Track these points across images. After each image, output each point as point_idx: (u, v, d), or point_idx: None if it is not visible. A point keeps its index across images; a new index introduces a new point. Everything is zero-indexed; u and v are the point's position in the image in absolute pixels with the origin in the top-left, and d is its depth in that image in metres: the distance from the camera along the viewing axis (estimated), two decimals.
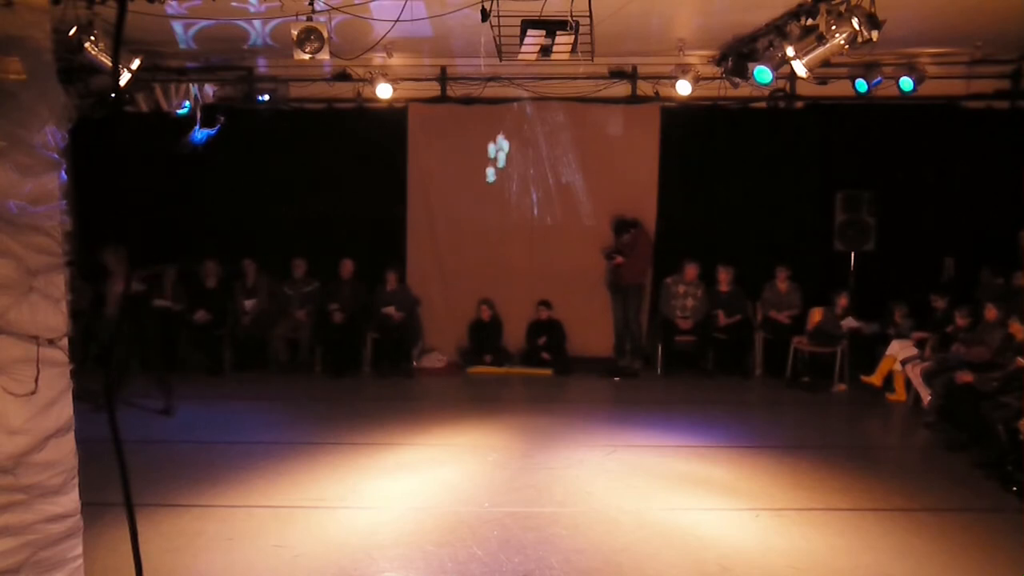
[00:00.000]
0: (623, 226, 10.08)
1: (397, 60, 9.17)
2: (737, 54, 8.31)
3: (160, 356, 8.54)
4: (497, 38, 6.70)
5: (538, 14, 6.32)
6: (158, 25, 6.59)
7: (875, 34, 6.10)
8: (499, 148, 10.19)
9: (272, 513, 5.70)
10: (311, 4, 6.30)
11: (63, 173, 3.75)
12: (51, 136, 3.67)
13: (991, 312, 7.90)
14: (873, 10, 6.10)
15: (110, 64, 6.83)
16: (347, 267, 10.16)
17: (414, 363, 10.16)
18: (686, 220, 10.26)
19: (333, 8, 6.29)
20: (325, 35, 6.60)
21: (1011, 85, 9.73)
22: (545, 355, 10.06)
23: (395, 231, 10.50)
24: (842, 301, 9.40)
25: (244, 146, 10.08)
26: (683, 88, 9.14)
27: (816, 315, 9.62)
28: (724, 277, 9.98)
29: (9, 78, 3.51)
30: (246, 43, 8.31)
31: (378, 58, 8.84)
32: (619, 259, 9.97)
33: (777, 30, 7.30)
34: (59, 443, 3.72)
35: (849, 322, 9.38)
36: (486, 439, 7.39)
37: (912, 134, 9.83)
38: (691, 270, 9.98)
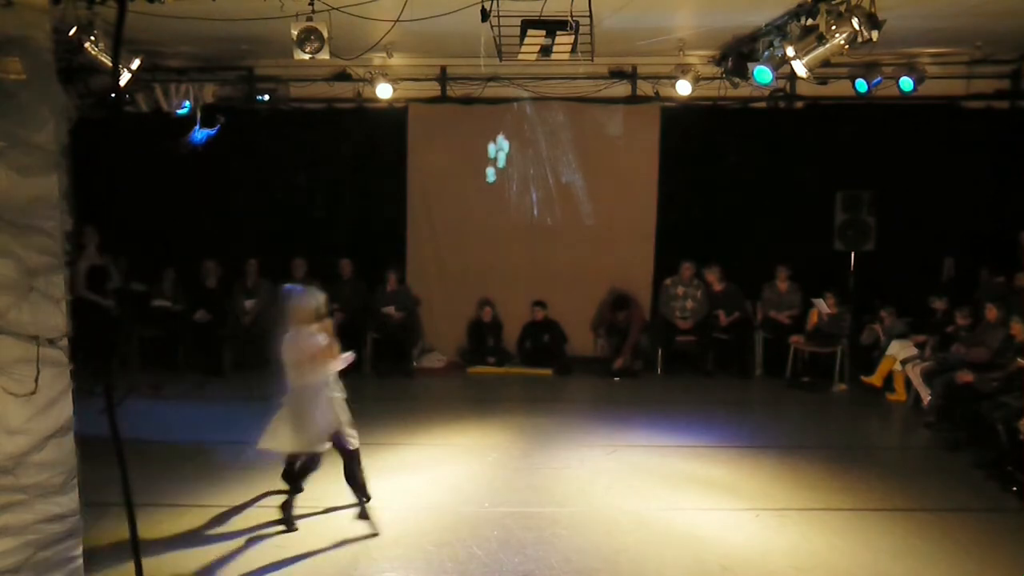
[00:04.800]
0: (621, 302, 10.03)
1: (397, 60, 9.16)
2: (737, 54, 8.30)
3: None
4: (497, 38, 6.69)
5: (538, 14, 6.31)
6: (158, 25, 6.58)
7: (875, 34, 6.10)
8: (499, 148, 10.18)
9: (272, 513, 5.69)
10: (311, 4, 6.30)
11: (63, 173, 3.75)
12: (51, 136, 3.67)
13: (991, 312, 7.90)
14: (873, 10, 6.09)
15: (110, 64, 6.80)
16: (347, 267, 10.16)
17: (414, 363, 10.15)
18: (686, 220, 10.25)
19: (333, 8, 6.28)
20: (325, 35, 6.59)
21: (1011, 85, 9.73)
22: (547, 366, 10.00)
23: (395, 231, 10.49)
24: (830, 300, 9.39)
25: (244, 146, 10.08)
26: (683, 88, 9.14)
27: (815, 315, 9.61)
28: (712, 278, 9.99)
29: (9, 78, 3.51)
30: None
31: (378, 58, 8.84)
32: (619, 362, 9.77)
33: (777, 30, 7.29)
34: (59, 443, 3.72)
35: (821, 305, 9.38)
36: (486, 439, 7.39)
37: (912, 134, 9.82)
38: (687, 269, 9.99)
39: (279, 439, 5.39)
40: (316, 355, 5.36)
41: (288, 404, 5.40)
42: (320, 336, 5.40)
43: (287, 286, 5.70)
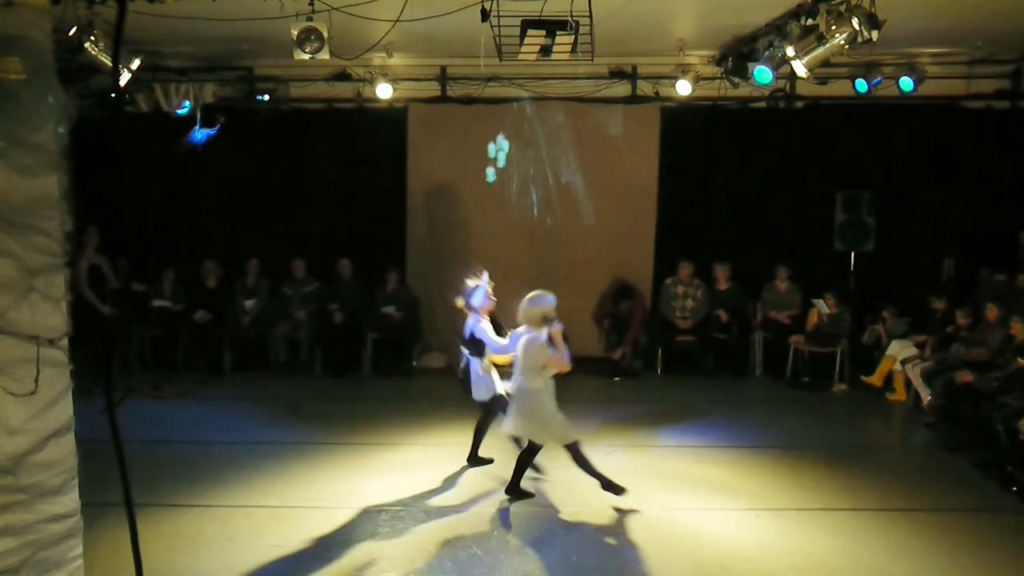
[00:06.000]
0: (624, 292, 10.02)
1: (397, 60, 9.16)
2: (737, 54, 8.30)
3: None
4: (497, 38, 6.69)
5: (538, 14, 6.30)
6: (158, 25, 6.58)
7: (875, 34, 6.10)
8: (499, 148, 10.17)
9: (272, 513, 5.70)
10: (311, 4, 6.30)
11: (63, 173, 3.75)
12: (51, 136, 3.67)
13: (991, 312, 7.90)
14: (873, 10, 6.09)
15: (110, 64, 6.82)
16: (347, 267, 10.16)
17: (414, 363, 10.15)
18: (686, 220, 10.25)
19: (333, 8, 6.28)
20: (325, 35, 6.60)
21: (1011, 85, 9.72)
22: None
23: (395, 231, 10.49)
24: (829, 300, 9.38)
25: (244, 146, 10.08)
26: (683, 88, 9.14)
27: (815, 315, 9.61)
28: (721, 275, 9.99)
29: (9, 78, 3.50)
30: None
31: (378, 58, 8.84)
32: (619, 354, 9.82)
33: (777, 30, 7.29)
34: (59, 443, 3.72)
35: (821, 306, 9.38)
36: (486, 439, 7.37)
37: (912, 134, 9.82)
38: (684, 269, 9.99)
39: (522, 430, 5.90)
40: (546, 364, 5.74)
41: (520, 401, 5.82)
42: (548, 343, 5.75)
43: (534, 293, 5.95)
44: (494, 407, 6.37)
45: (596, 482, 5.87)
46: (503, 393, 6.27)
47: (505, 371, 6.32)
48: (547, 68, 9.23)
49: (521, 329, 5.92)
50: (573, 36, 6.61)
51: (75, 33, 6.74)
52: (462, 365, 6.39)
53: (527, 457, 6.02)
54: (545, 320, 5.75)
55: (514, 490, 5.99)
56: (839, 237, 9.78)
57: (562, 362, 5.77)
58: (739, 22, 7.68)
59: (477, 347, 6.24)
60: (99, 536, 4.59)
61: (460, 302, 6.38)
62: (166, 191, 9.98)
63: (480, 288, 6.31)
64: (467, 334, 6.32)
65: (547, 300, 5.84)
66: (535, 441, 5.96)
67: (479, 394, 6.36)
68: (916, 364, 8.37)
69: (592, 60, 7.27)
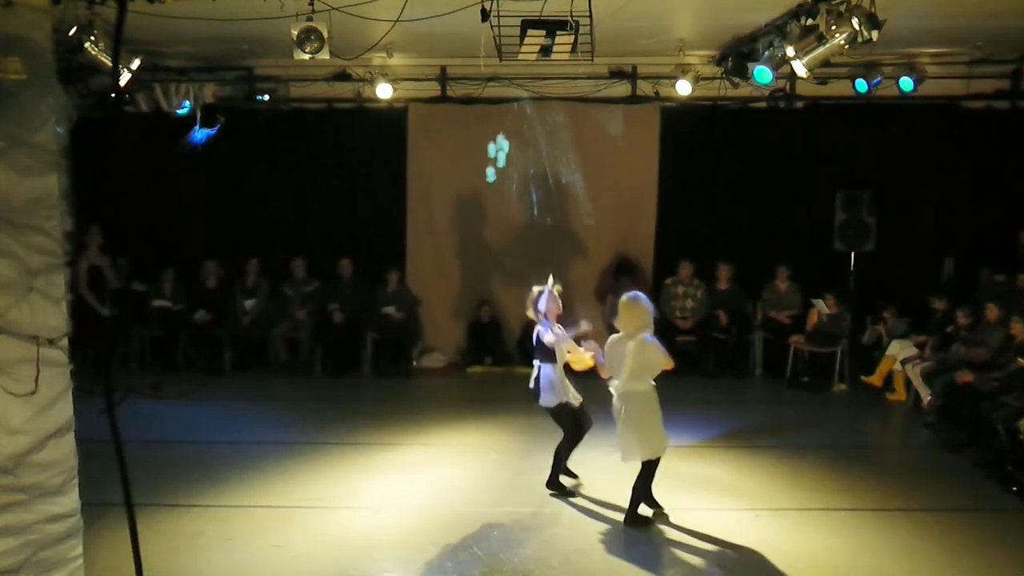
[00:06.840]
0: (626, 267, 10.02)
1: (397, 60, 9.17)
2: (737, 54, 8.30)
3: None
4: (497, 38, 6.69)
5: (538, 14, 6.31)
6: (158, 25, 6.58)
7: (875, 34, 6.10)
8: (499, 148, 10.15)
9: (272, 513, 5.70)
10: (311, 4, 6.30)
11: (63, 173, 3.75)
12: (51, 136, 3.67)
13: (991, 312, 7.90)
14: (873, 10, 6.09)
15: (110, 64, 6.82)
16: (347, 267, 10.16)
17: (414, 363, 10.16)
18: (686, 220, 10.25)
19: (333, 8, 6.28)
20: (325, 35, 6.60)
21: (1011, 85, 9.73)
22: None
23: (395, 231, 10.49)
24: (829, 301, 9.38)
25: (244, 146, 10.07)
26: (683, 88, 9.15)
27: (815, 315, 9.61)
28: (724, 275, 9.99)
29: (9, 78, 3.50)
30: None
31: (378, 58, 8.84)
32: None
33: (777, 30, 7.29)
34: (59, 443, 3.72)
35: (821, 306, 9.38)
36: (486, 439, 7.39)
37: (912, 134, 9.82)
38: (685, 270, 10.00)
39: (632, 450, 5.51)
40: (662, 363, 5.47)
41: (631, 405, 5.50)
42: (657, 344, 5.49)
43: (630, 293, 5.66)
44: (565, 419, 6.11)
45: (631, 504, 5.58)
46: (569, 401, 6.05)
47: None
48: (547, 68, 9.23)
49: (620, 335, 5.58)
50: (573, 36, 6.61)
51: (75, 33, 6.74)
52: (534, 374, 6.09)
53: (644, 481, 5.57)
54: (652, 321, 5.52)
55: (633, 521, 5.57)
56: (839, 237, 9.78)
57: (670, 359, 5.56)
58: (739, 22, 7.69)
59: (548, 353, 5.98)
60: (99, 536, 4.59)
61: (530, 312, 6.06)
62: (166, 191, 9.98)
63: (546, 293, 6.00)
64: (535, 341, 6.06)
65: (646, 298, 5.59)
66: (649, 456, 5.49)
67: (547, 399, 6.05)
68: (916, 364, 8.37)
69: (592, 60, 7.27)
